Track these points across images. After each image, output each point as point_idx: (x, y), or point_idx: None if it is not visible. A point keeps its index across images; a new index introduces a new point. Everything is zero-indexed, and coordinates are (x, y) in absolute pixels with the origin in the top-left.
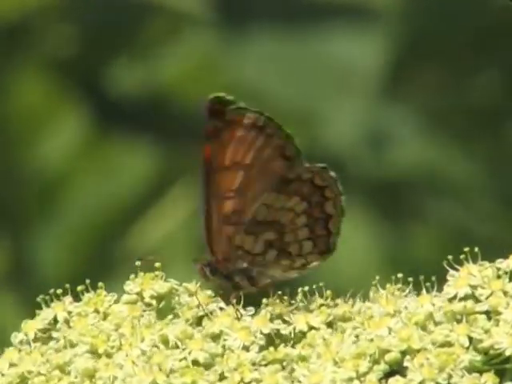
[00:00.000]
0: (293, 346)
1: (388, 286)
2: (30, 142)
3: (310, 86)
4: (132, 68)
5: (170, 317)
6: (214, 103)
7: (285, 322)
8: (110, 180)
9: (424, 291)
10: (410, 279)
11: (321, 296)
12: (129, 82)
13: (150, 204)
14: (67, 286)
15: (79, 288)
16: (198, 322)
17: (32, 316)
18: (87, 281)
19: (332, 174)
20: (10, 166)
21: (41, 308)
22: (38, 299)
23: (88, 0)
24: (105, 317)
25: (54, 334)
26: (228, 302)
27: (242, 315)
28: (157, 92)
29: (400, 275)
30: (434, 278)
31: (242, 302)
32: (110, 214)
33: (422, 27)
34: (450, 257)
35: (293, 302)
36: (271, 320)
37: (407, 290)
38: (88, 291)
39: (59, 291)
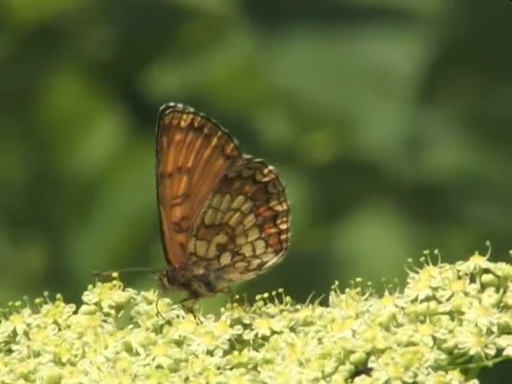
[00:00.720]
0: (255, 351)
1: (347, 290)
2: (68, 146)
3: (348, 89)
4: (170, 72)
5: (131, 326)
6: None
7: (245, 327)
8: (147, 183)
9: (386, 293)
10: (370, 283)
11: (280, 302)
12: (166, 85)
13: None
14: (25, 297)
15: (37, 300)
16: (159, 330)
17: None
18: (45, 293)
19: (272, 168)
20: (48, 169)
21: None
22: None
23: (126, 2)
24: (65, 328)
25: (14, 347)
26: (188, 310)
27: (201, 322)
28: (194, 96)
29: (359, 279)
30: (396, 280)
31: (201, 311)
32: (148, 217)
33: (461, 31)
34: (409, 259)
35: (251, 306)
36: (231, 325)
37: (367, 294)
38: (46, 303)
39: (17, 303)
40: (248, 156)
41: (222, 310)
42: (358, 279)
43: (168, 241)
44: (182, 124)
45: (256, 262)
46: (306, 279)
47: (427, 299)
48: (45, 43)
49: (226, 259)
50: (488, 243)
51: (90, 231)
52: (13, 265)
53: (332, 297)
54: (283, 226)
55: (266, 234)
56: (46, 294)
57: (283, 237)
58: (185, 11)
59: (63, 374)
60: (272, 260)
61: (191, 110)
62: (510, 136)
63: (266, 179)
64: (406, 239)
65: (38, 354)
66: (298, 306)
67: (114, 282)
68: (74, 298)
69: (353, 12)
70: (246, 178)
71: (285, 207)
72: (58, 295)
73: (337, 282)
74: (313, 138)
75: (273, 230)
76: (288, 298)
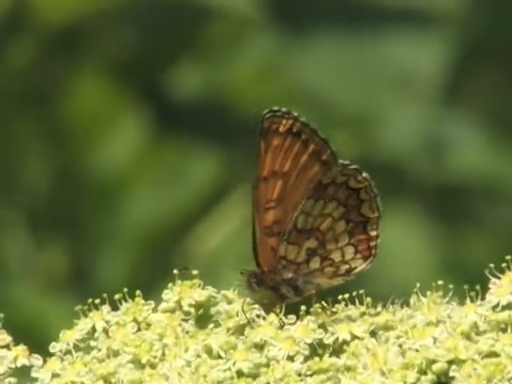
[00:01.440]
0: (336, 356)
1: (429, 293)
2: (91, 147)
3: (370, 91)
4: (192, 72)
5: (211, 326)
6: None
7: (326, 330)
8: (170, 185)
9: (468, 300)
10: (451, 286)
11: (361, 303)
12: (189, 85)
13: (210, 209)
14: (105, 295)
15: (116, 296)
16: (240, 330)
17: None
18: (125, 289)
19: (365, 175)
20: (72, 170)
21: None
22: (76, 309)
23: (148, 3)
24: (144, 326)
25: (93, 344)
26: (270, 311)
27: (284, 324)
28: (217, 96)
29: (440, 282)
30: (478, 287)
31: (283, 311)
32: (170, 219)
33: (484, 32)
34: (491, 265)
35: (334, 309)
36: (314, 329)
37: (447, 298)
38: (126, 300)
39: (97, 301)
40: (343, 162)
41: (303, 308)
42: (440, 282)
43: (259, 244)
44: (281, 129)
45: (344, 267)
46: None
47: (509, 306)
48: (69, 44)
49: (315, 264)
50: None
51: (113, 232)
52: (36, 266)
53: (413, 300)
54: (373, 233)
55: (355, 240)
56: (125, 290)
57: (372, 243)
58: (208, 11)
59: (143, 378)
60: (361, 266)
61: (292, 114)
62: None
63: (359, 186)
64: (427, 240)
65: (117, 354)
66: (379, 308)
67: (194, 280)
68: (95, 298)
69: (375, 14)
70: (340, 185)
71: (376, 214)
72: (138, 292)
73: (418, 285)
74: (335, 139)
75: (362, 237)
76: (369, 299)
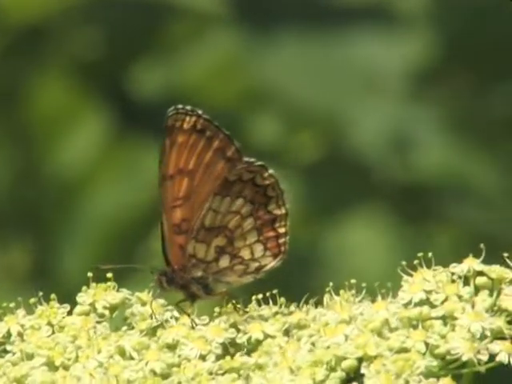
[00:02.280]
0: (248, 355)
1: (342, 291)
2: (53, 145)
3: (335, 88)
4: (154, 70)
5: (125, 328)
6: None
7: (239, 330)
8: (132, 182)
9: (379, 297)
10: (364, 285)
11: (275, 303)
12: (151, 83)
13: None
14: (19, 298)
15: (32, 300)
16: (153, 332)
17: None
18: (40, 293)
19: (271, 171)
20: (32, 168)
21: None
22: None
23: (110, 2)
24: (59, 329)
25: (9, 348)
26: (182, 312)
27: (196, 324)
28: (179, 94)
29: (353, 281)
30: (389, 284)
31: (195, 312)
32: (133, 215)
33: (449, 30)
34: (403, 262)
35: (246, 309)
36: (226, 329)
37: (360, 296)
38: (41, 303)
39: (12, 304)
40: (249, 159)
41: (216, 310)
42: (353, 281)
43: (168, 242)
44: (185, 126)
45: (254, 265)
46: (294, 278)
47: (421, 302)
48: (30, 43)
49: (224, 262)
50: (482, 246)
51: (75, 230)
52: None
53: (326, 298)
54: (281, 230)
55: (264, 238)
56: (40, 294)
57: (281, 240)
58: (171, 8)
59: (56, 379)
60: (270, 263)
61: (195, 111)
62: (497, 136)
63: (265, 182)
64: (394, 238)
65: (31, 357)
66: (293, 308)
67: (109, 283)
68: (59, 297)
69: (342, 12)
70: (246, 181)
71: (283, 211)
72: (53, 295)
73: (331, 284)
74: (301, 138)
75: (271, 234)
76: (282, 299)
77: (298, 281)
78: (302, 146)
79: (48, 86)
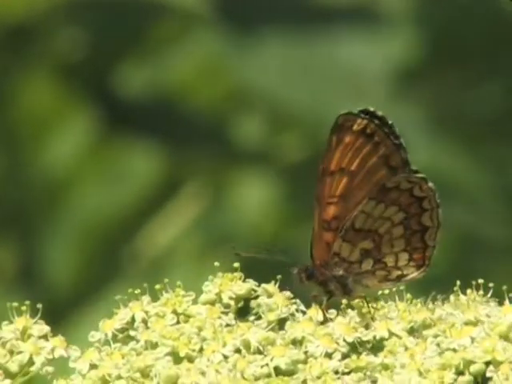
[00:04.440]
0: (374, 352)
1: (469, 292)
2: (39, 145)
3: (319, 88)
4: (140, 70)
5: (252, 318)
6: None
7: (365, 327)
8: (119, 182)
9: (507, 301)
10: (491, 285)
11: (401, 300)
12: (137, 84)
13: (159, 206)
14: (145, 285)
15: (157, 286)
16: (280, 324)
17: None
18: (165, 280)
19: (431, 185)
20: (19, 168)
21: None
22: (116, 298)
23: (96, 2)
24: (184, 319)
25: (132, 333)
26: (316, 305)
27: (327, 319)
28: (165, 93)
29: (481, 281)
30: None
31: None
32: (119, 216)
33: (433, 31)
34: None
35: (374, 305)
36: (355, 328)
37: (487, 296)
38: (166, 291)
39: (137, 291)
40: (412, 169)
41: (344, 302)
42: (480, 280)
43: (315, 237)
44: (355, 127)
45: (396, 273)
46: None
47: None
48: (16, 43)
49: (367, 265)
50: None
51: (61, 231)
52: None
53: (452, 296)
54: (430, 243)
55: (411, 247)
56: (166, 280)
57: (428, 253)
58: (155, 9)
59: (180, 373)
60: (412, 274)
61: (367, 116)
62: (483, 136)
63: (423, 194)
64: None
65: (155, 346)
66: (418, 306)
67: (235, 273)
68: (44, 295)
69: (325, 13)
70: (404, 191)
71: (435, 224)
72: (178, 282)
73: (458, 283)
74: (286, 138)
75: (419, 245)
76: (409, 295)
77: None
78: (287, 145)
79: (34, 86)
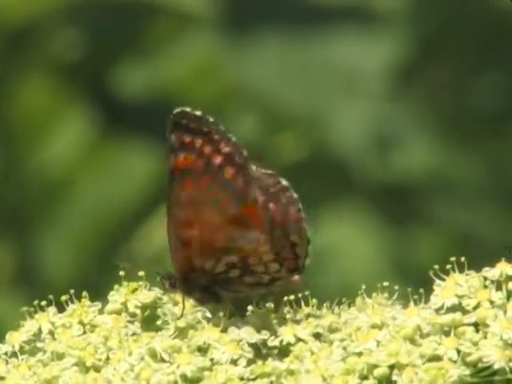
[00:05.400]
0: (281, 357)
1: (374, 294)
2: (36, 144)
3: (315, 89)
4: (138, 70)
5: (158, 325)
6: (179, 117)
7: (271, 332)
8: (116, 182)
9: (412, 303)
10: (396, 287)
11: (306, 305)
12: (134, 83)
13: (155, 206)
14: (51, 296)
15: (63, 298)
16: (185, 332)
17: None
18: (71, 291)
19: (294, 194)
20: (16, 168)
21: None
22: (23, 310)
23: (93, 3)
24: (90, 328)
25: (39, 345)
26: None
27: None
28: (162, 93)
29: (386, 284)
30: (421, 290)
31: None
32: (115, 216)
33: (429, 30)
34: (436, 266)
35: (279, 311)
36: (257, 330)
37: (392, 300)
38: (72, 301)
39: (43, 303)
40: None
41: (250, 308)
42: (386, 283)
43: (174, 250)
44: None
45: (267, 277)
46: None
47: (453, 308)
48: (14, 43)
49: (234, 274)
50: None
51: (58, 229)
52: None
53: (358, 301)
54: (301, 254)
55: (281, 258)
56: (71, 292)
57: (300, 262)
58: (152, 9)
59: (87, 381)
60: (285, 277)
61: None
62: (479, 135)
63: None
64: (376, 238)
65: (62, 357)
66: (324, 310)
67: (140, 282)
68: (42, 295)
69: (321, 12)
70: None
71: (303, 239)
72: (84, 293)
73: (363, 286)
74: (282, 138)
75: (290, 256)
76: (314, 301)
77: None
78: (283, 145)
79: (32, 85)
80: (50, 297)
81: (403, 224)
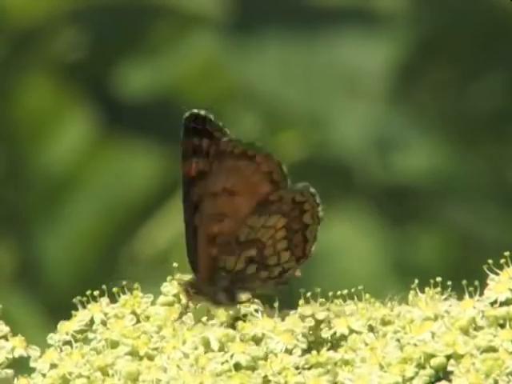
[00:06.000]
0: (333, 350)
1: (427, 289)
2: (38, 145)
3: (317, 90)
4: (139, 70)
5: (204, 319)
6: (192, 120)
7: (324, 325)
8: (118, 182)
9: (467, 295)
10: (449, 283)
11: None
12: (136, 84)
13: (158, 206)
14: (104, 286)
15: (115, 289)
16: (233, 324)
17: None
18: (123, 282)
19: (312, 190)
20: (18, 168)
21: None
22: (74, 300)
23: (96, 3)
24: (143, 319)
25: (91, 336)
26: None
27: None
28: (164, 94)
29: (439, 279)
30: (476, 283)
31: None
32: (117, 215)
33: (430, 31)
34: (490, 261)
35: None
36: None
37: (446, 294)
38: (124, 292)
39: (96, 292)
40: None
41: (301, 302)
42: (438, 279)
43: (200, 251)
44: (236, 151)
45: (278, 270)
46: None
47: (507, 302)
48: (16, 45)
49: (251, 270)
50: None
51: (59, 229)
52: None
53: (411, 295)
54: (310, 237)
55: (293, 245)
56: (124, 282)
57: (308, 246)
58: (155, 10)
59: (141, 369)
60: (292, 267)
61: (246, 139)
62: (480, 136)
63: (303, 199)
64: (376, 238)
65: (115, 345)
66: (377, 304)
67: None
68: (42, 295)
69: (323, 14)
70: (286, 200)
71: (316, 221)
72: (136, 285)
73: (416, 281)
74: (284, 138)
75: (300, 241)
76: (367, 296)
77: None
78: (285, 146)
79: (34, 86)
80: (103, 287)
81: (404, 224)
